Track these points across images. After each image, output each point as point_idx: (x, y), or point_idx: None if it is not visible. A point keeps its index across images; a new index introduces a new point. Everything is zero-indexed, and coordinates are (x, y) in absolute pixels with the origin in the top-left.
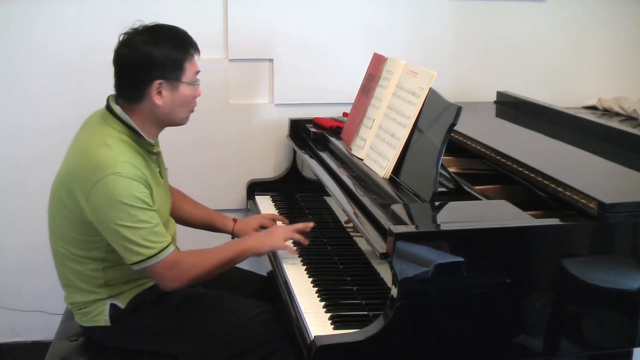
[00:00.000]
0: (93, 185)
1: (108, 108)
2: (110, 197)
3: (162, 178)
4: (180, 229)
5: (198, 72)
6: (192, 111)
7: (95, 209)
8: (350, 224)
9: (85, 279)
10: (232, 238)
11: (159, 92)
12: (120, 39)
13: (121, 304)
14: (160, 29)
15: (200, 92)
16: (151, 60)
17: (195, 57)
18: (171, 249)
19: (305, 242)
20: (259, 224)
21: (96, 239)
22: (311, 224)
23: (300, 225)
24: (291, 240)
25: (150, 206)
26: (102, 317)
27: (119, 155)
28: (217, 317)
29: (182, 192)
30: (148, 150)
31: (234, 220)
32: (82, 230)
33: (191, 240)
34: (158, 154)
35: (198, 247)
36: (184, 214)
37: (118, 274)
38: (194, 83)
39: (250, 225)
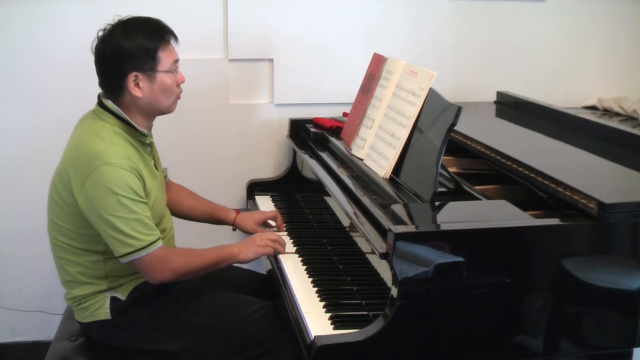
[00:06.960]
0: (87, 175)
1: (100, 104)
2: (103, 186)
3: (157, 170)
4: (182, 224)
5: (177, 59)
6: (178, 98)
7: (88, 199)
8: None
9: (85, 271)
10: (233, 229)
11: (137, 84)
12: (98, 35)
13: (122, 296)
14: (132, 21)
15: (183, 78)
16: (124, 53)
17: (173, 43)
18: (160, 244)
19: (283, 251)
20: (261, 219)
21: (94, 232)
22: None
23: (281, 240)
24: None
25: (142, 198)
26: (103, 311)
27: (112, 147)
28: (217, 311)
29: (184, 187)
30: (141, 141)
31: (237, 211)
32: (80, 223)
33: (191, 235)
34: (151, 144)
35: (198, 243)
36: (186, 208)
37: (119, 265)
38: (172, 71)
39: (253, 219)
